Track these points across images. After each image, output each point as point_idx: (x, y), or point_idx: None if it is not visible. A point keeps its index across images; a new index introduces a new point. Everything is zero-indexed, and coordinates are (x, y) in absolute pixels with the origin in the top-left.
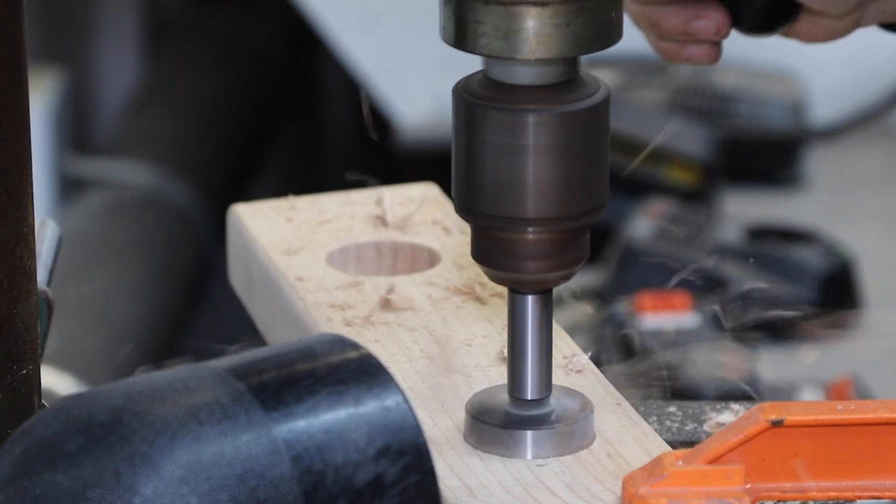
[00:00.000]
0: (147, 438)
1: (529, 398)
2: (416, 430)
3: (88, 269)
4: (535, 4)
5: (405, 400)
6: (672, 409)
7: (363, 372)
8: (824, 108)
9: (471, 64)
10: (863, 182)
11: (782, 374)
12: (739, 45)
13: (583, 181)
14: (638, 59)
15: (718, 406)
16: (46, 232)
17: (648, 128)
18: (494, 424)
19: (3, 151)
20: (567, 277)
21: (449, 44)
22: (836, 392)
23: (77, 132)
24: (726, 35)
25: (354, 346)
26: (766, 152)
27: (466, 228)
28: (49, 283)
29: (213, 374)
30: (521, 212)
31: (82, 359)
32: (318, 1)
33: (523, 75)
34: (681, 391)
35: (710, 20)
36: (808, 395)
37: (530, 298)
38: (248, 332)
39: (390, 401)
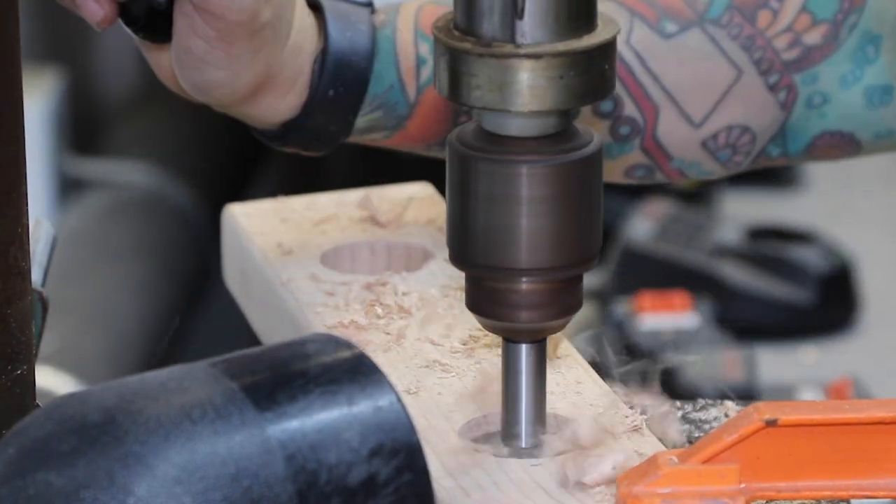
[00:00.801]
0: (140, 438)
1: (523, 446)
2: (409, 429)
3: (88, 269)
4: (529, 57)
5: (398, 399)
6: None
7: (356, 371)
8: None
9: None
10: (863, 182)
11: (782, 374)
12: None
13: (576, 231)
14: None
15: (713, 405)
16: (41, 232)
17: None
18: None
19: None
20: (561, 326)
21: (444, 96)
22: (835, 392)
23: (77, 132)
24: (108, 26)
25: (347, 345)
26: None
27: None
28: (44, 283)
29: (206, 374)
30: (513, 262)
31: (82, 359)
32: None
33: (517, 127)
34: (680, 391)
35: (100, 8)
36: (808, 395)
37: (524, 347)
38: (245, 333)
39: (383, 400)
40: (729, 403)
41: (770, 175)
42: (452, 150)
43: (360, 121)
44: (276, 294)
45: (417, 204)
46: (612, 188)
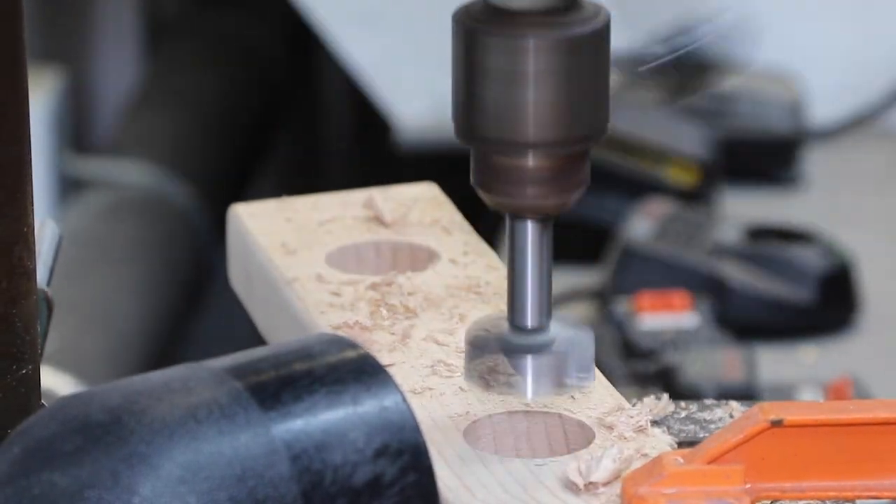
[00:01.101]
0: (145, 438)
1: (529, 326)
2: (415, 429)
3: (88, 269)
4: None
5: (404, 399)
6: (671, 408)
7: (361, 371)
8: (824, 108)
9: None
10: (862, 182)
11: (782, 373)
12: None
13: (583, 105)
14: (638, 60)
15: (717, 405)
16: (46, 232)
17: (648, 128)
18: (494, 352)
19: (2, 151)
20: (567, 204)
21: None
22: (835, 392)
23: (77, 132)
24: None
25: (353, 345)
26: (765, 152)
27: (466, 227)
28: (49, 283)
29: (211, 374)
30: (521, 136)
31: (82, 359)
32: (317, 1)
33: (523, 0)
34: (680, 391)
35: None
36: (808, 394)
37: (530, 225)
38: (247, 333)
39: (389, 400)
40: (734, 403)
41: (770, 175)
42: (459, 24)
43: None
44: (280, 294)
45: (422, 204)
46: (611, 188)
